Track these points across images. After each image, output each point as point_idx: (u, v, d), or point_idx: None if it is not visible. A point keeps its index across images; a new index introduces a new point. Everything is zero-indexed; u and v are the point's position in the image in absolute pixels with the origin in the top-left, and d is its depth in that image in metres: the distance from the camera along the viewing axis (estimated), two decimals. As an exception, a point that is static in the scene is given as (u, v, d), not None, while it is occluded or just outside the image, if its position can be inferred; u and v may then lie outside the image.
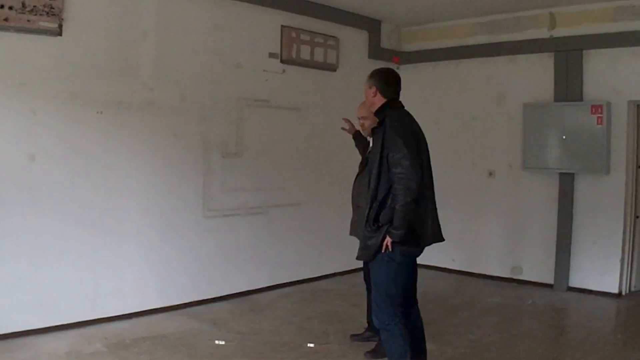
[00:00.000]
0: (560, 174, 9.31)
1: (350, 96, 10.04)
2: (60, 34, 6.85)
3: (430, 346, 6.56)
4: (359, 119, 6.45)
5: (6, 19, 6.38)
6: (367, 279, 6.34)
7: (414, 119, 5.43)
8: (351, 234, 6.75)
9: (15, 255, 6.66)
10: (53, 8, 6.69)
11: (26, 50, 6.65)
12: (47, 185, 6.87)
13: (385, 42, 10.82)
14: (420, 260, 10.54)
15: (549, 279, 9.45)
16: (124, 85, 7.48)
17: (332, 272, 10.04)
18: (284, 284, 9.18)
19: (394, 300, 5.12)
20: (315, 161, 9.71)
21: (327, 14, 9.67)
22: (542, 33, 9.43)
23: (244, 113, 8.74)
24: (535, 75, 9.59)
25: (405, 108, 5.51)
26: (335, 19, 9.83)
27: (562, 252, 9.30)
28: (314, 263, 9.77)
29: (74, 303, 7.09)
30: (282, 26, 9.16)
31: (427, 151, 5.44)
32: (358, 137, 7.08)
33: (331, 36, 9.83)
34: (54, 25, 6.76)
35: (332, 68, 9.86)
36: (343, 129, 7.22)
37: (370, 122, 6.10)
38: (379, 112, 5.37)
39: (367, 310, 6.65)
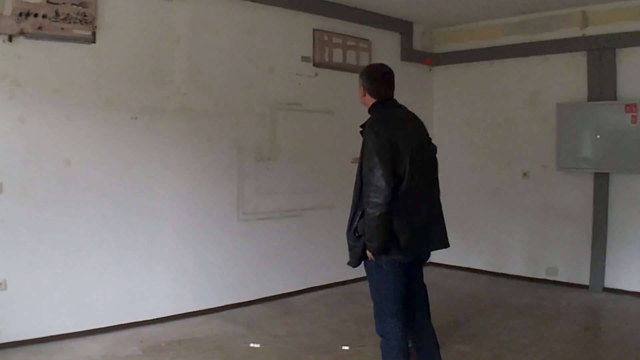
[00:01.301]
0: (595, 173, 9.14)
1: (384, 98, 10.03)
2: (93, 41, 6.89)
3: (463, 348, 6.57)
4: None
5: (40, 27, 6.44)
6: None
7: (406, 120, 5.05)
8: None
9: (52, 260, 6.69)
10: (86, 16, 6.73)
11: (60, 57, 6.69)
12: (83, 190, 6.90)
13: (417, 44, 10.74)
14: (454, 261, 10.58)
15: (584, 280, 9.27)
16: (158, 91, 7.49)
17: (365, 274, 9.84)
18: (318, 286, 9.14)
19: (389, 308, 4.87)
20: (348, 164, 9.58)
21: (358, 16, 9.60)
22: (574, 32, 9.28)
23: (278, 117, 8.72)
24: (568, 75, 9.44)
25: (408, 108, 5.25)
26: (366, 21, 9.77)
27: (597, 252, 9.13)
28: (347, 266, 9.59)
29: (110, 306, 7.11)
30: (314, 30, 9.12)
31: (424, 153, 5.07)
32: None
33: (363, 39, 9.77)
34: (87, 33, 6.80)
35: (364, 71, 9.77)
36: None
37: None
38: (369, 113, 5.06)
39: None
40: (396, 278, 4.82)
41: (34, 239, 6.59)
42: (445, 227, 5.14)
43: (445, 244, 5.12)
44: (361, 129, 4.91)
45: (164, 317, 7.48)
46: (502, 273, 10.22)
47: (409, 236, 4.70)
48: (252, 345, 6.76)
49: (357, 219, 4.77)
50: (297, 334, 7.17)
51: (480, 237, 10.51)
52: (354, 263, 4.94)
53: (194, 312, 7.78)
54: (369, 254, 4.71)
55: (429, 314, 5.48)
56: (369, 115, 5.07)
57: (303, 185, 9.06)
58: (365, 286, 9.34)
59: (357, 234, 4.78)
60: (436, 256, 10.58)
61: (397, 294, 4.85)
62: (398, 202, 4.59)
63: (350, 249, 4.90)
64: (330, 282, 9.34)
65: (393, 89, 5.17)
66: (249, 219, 8.40)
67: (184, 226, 7.72)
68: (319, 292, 9.01)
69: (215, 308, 7.96)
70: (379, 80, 5.08)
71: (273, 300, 8.54)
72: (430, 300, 8.57)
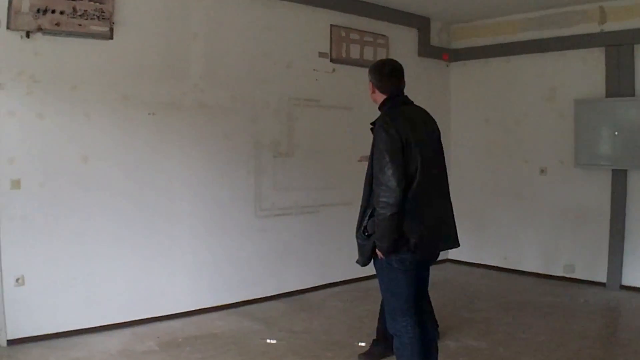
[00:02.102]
0: (613, 170, 9.03)
1: (401, 94, 9.98)
2: (111, 38, 6.88)
3: (481, 345, 6.53)
4: None
5: (58, 24, 6.42)
6: None
7: (417, 117, 4.97)
8: None
9: (69, 255, 6.70)
10: (104, 12, 6.72)
11: (78, 54, 6.68)
12: (100, 186, 6.91)
13: (435, 40, 10.66)
14: (470, 258, 10.52)
15: (601, 277, 9.18)
16: (175, 87, 7.48)
17: (384, 270, 9.82)
18: (335, 283, 9.11)
19: (401, 307, 4.81)
20: (365, 161, 9.59)
21: (376, 12, 9.54)
22: (593, 28, 9.16)
23: (295, 113, 8.68)
24: (586, 71, 9.32)
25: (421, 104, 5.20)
26: (384, 17, 9.70)
27: (614, 249, 9.04)
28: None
29: (127, 302, 7.12)
30: (332, 25, 9.07)
31: (436, 151, 5.00)
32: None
33: (380, 34, 9.71)
34: (105, 29, 6.78)
35: (382, 66, 9.71)
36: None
37: None
38: (380, 110, 4.99)
39: (378, 324, 6.36)
40: (407, 277, 4.77)
41: (51, 234, 6.60)
42: (455, 227, 5.10)
43: (456, 244, 5.09)
44: (372, 127, 4.85)
45: (181, 313, 7.47)
46: (519, 270, 10.13)
47: (420, 236, 4.64)
48: (268, 341, 6.73)
49: (367, 218, 4.73)
50: (314, 330, 7.14)
51: (497, 234, 10.44)
52: (363, 262, 4.89)
53: (210, 307, 7.76)
54: (379, 253, 4.67)
55: (433, 315, 5.56)
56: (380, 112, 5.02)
57: (320, 182, 9.02)
58: (381, 283, 9.36)
59: (366, 233, 4.74)
60: (453, 253, 10.66)
61: (408, 292, 4.80)
62: (409, 201, 4.54)
63: (360, 247, 4.86)
64: (347, 279, 9.28)
65: (403, 84, 5.09)
66: (266, 214, 8.38)
67: (201, 222, 7.70)
68: (336, 289, 8.99)
69: (232, 304, 7.95)
70: (387, 75, 4.99)
71: (290, 296, 8.51)
72: (447, 297, 8.59)
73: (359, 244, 4.86)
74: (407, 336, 4.77)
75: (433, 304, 8.19)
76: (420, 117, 4.99)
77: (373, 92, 5.01)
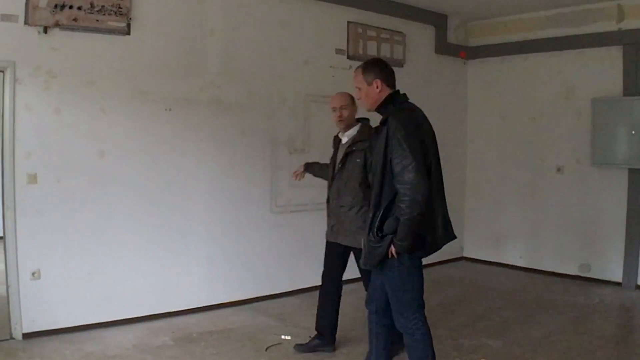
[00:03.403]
0: (630, 169, 8.93)
1: (418, 92, 9.84)
2: (128, 33, 6.87)
3: (496, 343, 6.48)
4: (335, 109, 5.95)
5: (75, 19, 6.42)
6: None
7: (421, 114, 4.85)
8: (330, 239, 6.28)
9: (85, 250, 6.70)
10: (121, 8, 6.71)
11: (95, 49, 6.67)
12: (116, 181, 6.91)
13: (452, 37, 10.58)
14: (486, 256, 10.47)
15: (617, 277, 9.09)
16: (192, 83, 7.46)
17: (399, 267, 9.77)
18: (350, 279, 8.98)
19: (413, 304, 4.76)
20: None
21: (393, 9, 9.50)
22: (610, 26, 9.05)
23: (311, 109, 8.63)
24: (603, 69, 9.22)
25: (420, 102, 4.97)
26: (401, 14, 9.65)
27: (631, 249, 8.94)
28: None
29: (142, 297, 7.11)
30: (349, 22, 9.02)
31: (436, 148, 4.88)
32: (310, 169, 6.66)
33: (397, 31, 9.65)
34: (122, 25, 6.77)
35: (399, 64, 9.64)
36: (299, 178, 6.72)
37: (350, 112, 5.82)
38: (383, 107, 4.77)
39: (318, 318, 6.37)
40: (417, 272, 4.77)
41: (67, 229, 6.60)
42: (450, 220, 5.00)
43: (454, 236, 5.01)
44: (380, 124, 4.73)
45: (196, 308, 7.46)
46: (534, 269, 10.03)
47: (434, 233, 4.68)
48: (283, 337, 6.69)
49: (378, 219, 4.62)
50: (328, 327, 7.08)
51: (513, 232, 10.36)
52: (373, 264, 4.76)
53: (225, 303, 7.75)
54: (391, 252, 4.58)
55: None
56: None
57: (337, 179, 8.97)
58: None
59: (380, 234, 4.61)
60: (469, 251, 10.59)
61: (418, 287, 4.79)
62: None
63: (371, 250, 4.71)
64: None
65: None
66: (282, 211, 8.35)
67: (217, 217, 7.68)
68: (351, 285, 8.85)
69: (247, 299, 7.93)
70: (390, 70, 4.90)
71: (305, 292, 8.45)
72: (462, 296, 8.53)
73: (370, 247, 4.73)
74: (419, 332, 4.73)
75: (449, 301, 8.19)
76: (422, 114, 4.89)
77: (380, 89, 4.77)
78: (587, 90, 9.33)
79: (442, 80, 10.45)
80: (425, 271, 8.76)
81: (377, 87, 4.76)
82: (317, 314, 6.38)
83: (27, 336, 6.34)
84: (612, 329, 7.29)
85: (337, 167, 5.97)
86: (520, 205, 10.19)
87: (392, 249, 4.56)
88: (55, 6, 6.28)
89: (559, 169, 9.70)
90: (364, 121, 5.96)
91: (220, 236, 7.71)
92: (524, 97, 10.21)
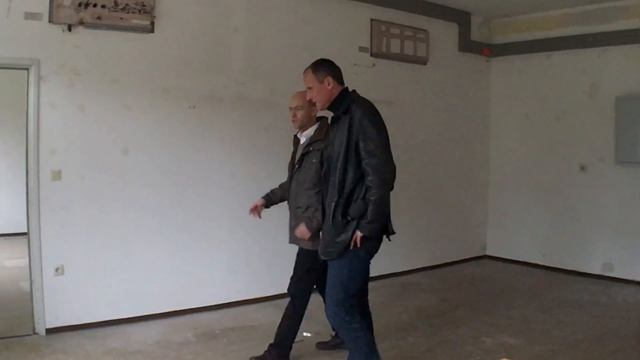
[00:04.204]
0: (654, 168, 8.82)
1: (441, 89, 9.87)
2: (152, 31, 6.86)
3: (517, 342, 6.41)
4: (290, 109, 5.78)
5: (99, 17, 6.42)
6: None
7: None
8: (291, 241, 6.00)
9: (108, 246, 6.71)
10: (145, 6, 6.69)
11: (119, 47, 6.67)
12: (140, 178, 6.92)
13: (475, 35, 10.46)
14: (508, 254, 10.38)
15: (640, 277, 9.01)
16: (216, 80, 7.44)
17: (421, 266, 9.79)
18: (372, 277, 8.89)
19: (352, 298, 4.79)
20: (405, 155, 9.43)
21: (416, 6, 9.40)
22: (634, 23, 8.87)
23: (335, 107, 8.56)
24: (627, 67, 9.05)
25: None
26: (424, 11, 9.55)
27: (654, 248, 8.83)
28: (403, 257, 9.49)
29: (165, 293, 7.11)
30: (372, 20, 8.94)
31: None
32: (270, 201, 6.25)
33: (421, 29, 9.55)
34: (146, 23, 6.76)
35: (422, 61, 9.59)
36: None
37: (306, 112, 5.61)
38: (339, 102, 4.76)
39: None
40: (366, 267, 4.91)
41: (91, 225, 6.61)
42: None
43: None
44: (340, 114, 4.75)
45: (218, 305, 7.43)
46: (557, 267, 9.87)
47: (388, 221, 4.82)
48: (304, 334, 6.64)
49: (342, 205, 4.62)
50: (350, 324, 7.03)
51: (536, 231, 10.22)
52: (336, 254, 4.71)
53: (247, 300, 7.71)
54: (355, 238, 4.58)
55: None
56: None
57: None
58: (419, 278, 9.31)
59: (346, 220, 4.61)
60: (491, 250, 10.50)
61: (362, 283, 5.02)
62: None
63: (334, 237, 4.68)
64: (385, 273, 9.13)
65: None
66: (304, 208, 8.31)
67: (240, 214, 7.60)
68: (373, 283, 8.75)
69: (269, 296, 7.85)
70: (338, 67, 4.98)
71: (326, 289, 8.39)
72: (484, 294, 8.46)
73: (334, 235, 4.68)
74: (359, 322, 4.79)
75: (471, 299, 8.11)
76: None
77: (332, 86, 4.81)
78: (611, 88, 9.18)
79: (465, 78, 10.36)
80: (448, 269, 8.86)
81: (328, 85, 4.81)
82: (280, 326, 6.01)
83: (50, 331, 6.35)
84: (635, 328, 7.13)
85: (295, 168, 5.81)
86: (543, 204, 10.07)
87: (357, 235, 4.57)
88: (80, 4, 6.28)
89: (582, 168, 9.55)
90: (323, 120, 5.85)
91: (243, 233, 7.67)
92: (547, 95, 10.06)
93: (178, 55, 7.10)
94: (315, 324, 6.97)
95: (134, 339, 6.38)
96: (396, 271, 9.33)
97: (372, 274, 8.90)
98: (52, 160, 6.35)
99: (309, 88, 4.92)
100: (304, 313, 5.83)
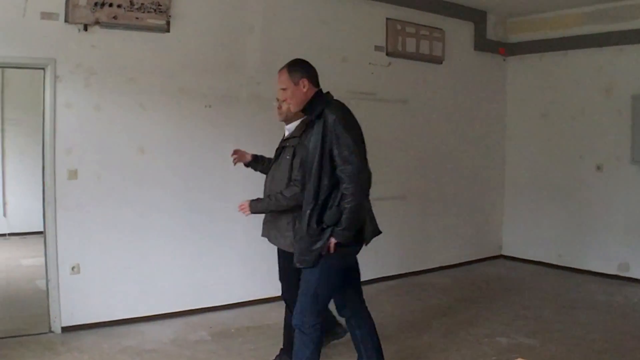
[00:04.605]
0: (671, 167, 8.74)
1: (457, 88, 9.83)
2: (167, 31, 6.87)
3: (532, 342, 6.39)
4: (278, 100, 5.47)
5: (115, 17, 6.43)
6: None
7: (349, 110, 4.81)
8: (264, 234, 5.90)
9: (124, 245, 6.72)
10: (160, 5, 6.69)
11: (134, 46, 6.68)
12: (156, 177, 6.93)
13: (491, 34, 10.39)
14: (524, 254, 10.32)
15: (657, 277, 8.91)
16: (231, 80, 7.44)
17: (437, 265, 9.75)
18: (388, 277, 8.97)
19: (325, 303, 4.75)
20: (421, 154, 9.44)
21: (431, 5, 9.36)
22: (651, 22, 8.88)
23: (350, 106, 8.37)
24: (644, 66, 9.03)
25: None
26: (440, 10, 9.50)
27: (671, 249, 8.74)
28: (418, 256, 9.51)
29: (180, 292, 7.12)
30: (387, 19, 8.90)
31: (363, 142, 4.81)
32: (253, 163, 6.03)
33: (436, 28, 9.50)
34: (161, 22, 6.76)
35: (438, 60, 9.55)
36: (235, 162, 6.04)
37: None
38: (313, 105, 4.67)
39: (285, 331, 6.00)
40: (337, 277, 4.76)
41: (107, 224, 6.63)
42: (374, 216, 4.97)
43: (380, 231, 5.02)
44: (314, 119, 4.65)
45: (234, 304, 7.43)
46: (573, 268, 9.79)
47: (367, 228, 4.71)
48: (320, 333, 6.62)
49: (317, 212, 4.53)
50: (365, 323, 7.02)
51: (552, 231, 10.14)
52: (311, 262, 4.62)
53: (263, 299, 7.69)
54: (330, 245, 4.50)
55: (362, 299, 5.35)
56: (320, 109, 4.68)
57: (375, 175, 8.75)
58: (434, 277, 9.28)
59: (321, 227, 4.52)
60: (507, 249, 10.47)
61: (337, 288, 4.82)
62: None
63: (308, 246, 4.59)
64: (400, 273, 9.17)
65: None
66: (320, 207, 8.29)
67: (256, 216, 7.61)
68: (389, 282, 8.86)
69: (284, 295, 7.86)
70: (313, 68, 4.87)
71: (343, 288, 8.38)
72: (500, 294, 8.42)
73: (308, 242, 4.59)
74: (317, 334, 4.69)
75: (487, 299, 8.07)
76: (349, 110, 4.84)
77: (307, 88, 4.71)
78: (628, 87, 9.10)
79: (481, 77, 10.31)
80: (463, 269, 8.81)
81: (303, 87, 4.70)
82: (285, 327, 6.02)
83: (65, 330, 6.38)
84: (651, 329, 7.13)
85: (273, 162, 5.74)
86: (559, 204, 10.00)
87: (331, 242, 4.49)
88: (95, 4, 6.29)
89: (598, 167, 9.47)
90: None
91: (258, 232, 7.64)
92: (563, 94, 9.99)
93: (194, 54, 7.10)
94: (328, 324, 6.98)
95: (149, 337, 6.39)
96: (411, 271, 9.31)
97: (387, 273, 9.02)
98: (68, 160, 6.37)
99: (283, 89, 4.80)
100: None
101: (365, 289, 8.31)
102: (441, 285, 8.93)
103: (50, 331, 6.38)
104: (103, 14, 6.36)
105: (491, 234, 10.72)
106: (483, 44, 10.23)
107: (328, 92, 4.82)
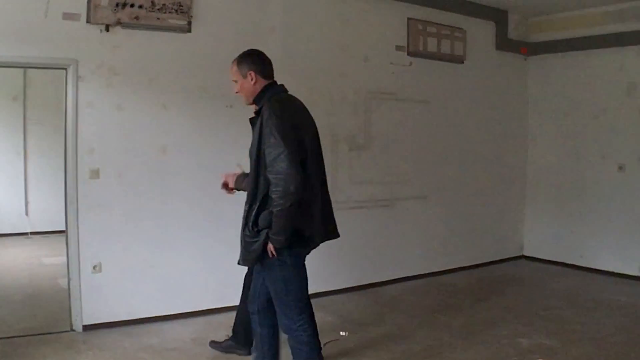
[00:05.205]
0: (694, 168, 8.65)
1: (479, 88, 9.79)
2: (189, 31, 6.89)
3: (553, 343, 6.34)
4: None
5: (137, 17, 6.45)
6: (246, 287, 5.83)
7: (301, 105, 4.77)
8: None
9: (146, 244, 6.74)
10: (182, 6, 6.71)
11: (156, 47, 6.71)
12: (177, 177, 6.96)
13: (512, 33, 10.33)
14: (546, 255, 10.27)
15: (679, 278, 8.81)
16: (252, 80, 7.40)
17: (458, 266, 9.70)
18: (409, 277, 8.95)
19: (297, 305, 4.62)
20: (442, 154, 9.41)
21: (453, 5, 9.32)
22: (673, 21, 8.79)
23: (372, 106, 8.54)
24: (666, 66, 8.93)
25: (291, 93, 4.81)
26: (461, 10, 9.46)
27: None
28: (439, 256, 9.47)
29: (201, 291, 7.14)
30: (409, 19, 8.87)
31: (317, 144, 4.73)
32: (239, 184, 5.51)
33: (458, 28, 9.45)
34: (183, 23, 6.78)
35: (459, 60, 9.51)
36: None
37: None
38: (258, 99, 4.60)
39: (235, 318, 6.10)
40: (301, 272, 4.65)
41: (128, 223, 6.66)
42: (334, 218, 4.89)
43: (337, 235, 4.92)
44: (253, 117, 4.65)
45: (255, 304, 7.44)
46: (594, 268, 9.71)
47: (312, 226, 4.51)
48: (341, 333, 6.63)
49: (254, 212, 4.44)
50: (386, 324, 7.02)
51: (573, 231, 10.05)
52: (250, 261, 4.62)
53: (284, 298, 7.67)
54: (270, 250, 4.39)
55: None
56: (262, 104, 4.61)
57: (396, 175, 8.87)
58: (456, 278, 9.25)
59: (256, 229, 4.43)
60: (529, 250, 10.44)
61: (302, 288, 4.68)
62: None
63: (247, 246, 4.54)
64: (421, 273, 9.13)
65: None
66: (342, 207, 8.23)
67: (276, 214, 7.64)
68: (410, 283, 8.84)
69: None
70: (267, 62, 4.76)
71: (363, 289, 8.39)
72: (521, 294, 8.39)
73: (245, 243, 4.56)
74: (305, 335, 4.65)
75: (507, 300, 8.04)
76: (303, 107, 4.79)
77: (255, 81, 4.62)
78: (650, 86, 9.04)
79: (502, 77, 10.26)
80: (485, 269, 8.78)
81: (251, 79, 4.61)
82: (235, 317, 6.17)
83: (87, 328, 6.41)
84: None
85: None
86: (581, 204, 9.92)
87: (270, 246, 4.38)
88: (117, 5, 6.32)
89: (620, 168, 9.38)
90: None
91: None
92: (584, 94, 9.90)
93: (215, 54, 7.07)
94: (350, 323, 6.98)
95: (170, 336, 6.40)
96: (432, 271, 9.28)
97: (408, 273, 9.01)
98: (90, 159, 6.41)
99: (234, 81, 4.74)
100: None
101: (387, 289, 8.44)
102: (462, 285, 8.89)
103: (72, 329, 6.42)
104: (124, 15, 6.38)
105: (513, 234, 10.66)
106: (504, 43, 10.17)
107: (281, 85, 4.76)
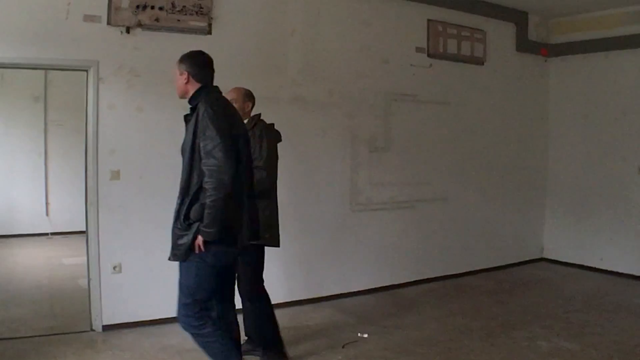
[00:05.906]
0: None
1: (499, 90, 9.77)
2: (209, 33, 6.93)
3: (573, 347, 6.29)
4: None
5: (157, 19, 6.48)
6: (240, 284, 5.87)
7: (233, 110, 4.89)
8: None
9: (166, 245, 6.60)
10: (202, 7, 6.73)
11: (177, 48, 6.59)
12: (197, 178, 6.90)
13: (533, 34, 10.28)
14: (566, 257, 10.20)
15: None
16: (273, 82, 7.45)
17: (478, 268, 9.66)
18: (429, 279, 8.93)
19: (203, 304, 4.66)
20: (462, 156, 9.38)
21: (473, 6, 9.30)
22: (695, 21, 8.72)
23: (392, 108, 8.53)
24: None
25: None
26: (481, 11, 9.44)
27: None
28: (459, 259, 9.44)
29: (221, 293, 7.09)
30: (429, 20, 8.86)
31: (248, 149, 4.84)
32: None
33: (478, 29, 9.44)
34: (203, 24, 6.81)
35: (479, 62, 9.49)
36: None
37: (239, 106, 5.60)
38: (193, 99, 4.69)
39: (244, 322, 6.10)
40: (219, 271, 4.67)
41: (149, 224, 6.66)
42: (259, 223, 5.00)
43: (258, 238, 5.00)
44: (187, 114, 4.73)
45: (275, 304, 7.37)
46: (615, 271, 9.63)
47: (240, 223, 4.59)
48: (360, 334, 6.62)
49: (186, 206, 4.47)
50: (406, 326, 6.99)
51: (594, 234, 9.99)
52: (180, 257, 4.58)
53: (304, 300, 7.70)
54: (198, 244, 4.41)
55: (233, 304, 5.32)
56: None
57: (416, 177, 8.86)
58: (476, 280, 9.23)
59: (187, 222, 4.45)
60: (549, 252, 10.40)
61: (216, 287, 4.71)
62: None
63: (178, 239, 4.56)
64: (441, 275, 9.10)
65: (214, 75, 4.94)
66: (362, 209, 8.27)
67: (296, 215, 7.61)
68: (430, 285, 8.82)
69: (325, 297, 7.88)
70: (207, 65, 4.86)
71: (383, 291, 8.37)
72: (541, 297, 8.34)
73: (177, 236, 4.58)
74: (212, 328, 4.68)
75: (527, 302, 8.00)
76: (235, 111, 4.92)
77: (187, 82, 4.74)
78: (671, 88, 8.96)
79: (523, 78, 10.22)
80: (504, 271, 8.77)
81: (185, 79, 4.72)
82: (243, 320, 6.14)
83: (106, 328, 6.45)
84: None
85: None
86: (601, 206, 9.85)
87: (199, 240, 4.40)
88: (137, 7, 6.36)
89: (640, 170, 9.38)
90: (257, 116, 5.92)
91: (300, 233, 7.66)
92: (605, 96, 9.83)
93: (235, 56, 7.11)
94: (370, 324, 6.98)
95: (190, 337, 6.40)
96: (452, 273, 9.25)
97: (428, 275, 8.99)
98: (111, 160, 6.45)
99: (174, 73, 4.85)
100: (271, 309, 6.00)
101: (406, 291, 8.41)
102: (482, 287, 8.85)
103: (92, 329, 6.45)
104: (145, 17, 6.42)
105: (533, 236, 10.61)
106: (525, 44, 10.13)
107: (216, 87, 4.87)
